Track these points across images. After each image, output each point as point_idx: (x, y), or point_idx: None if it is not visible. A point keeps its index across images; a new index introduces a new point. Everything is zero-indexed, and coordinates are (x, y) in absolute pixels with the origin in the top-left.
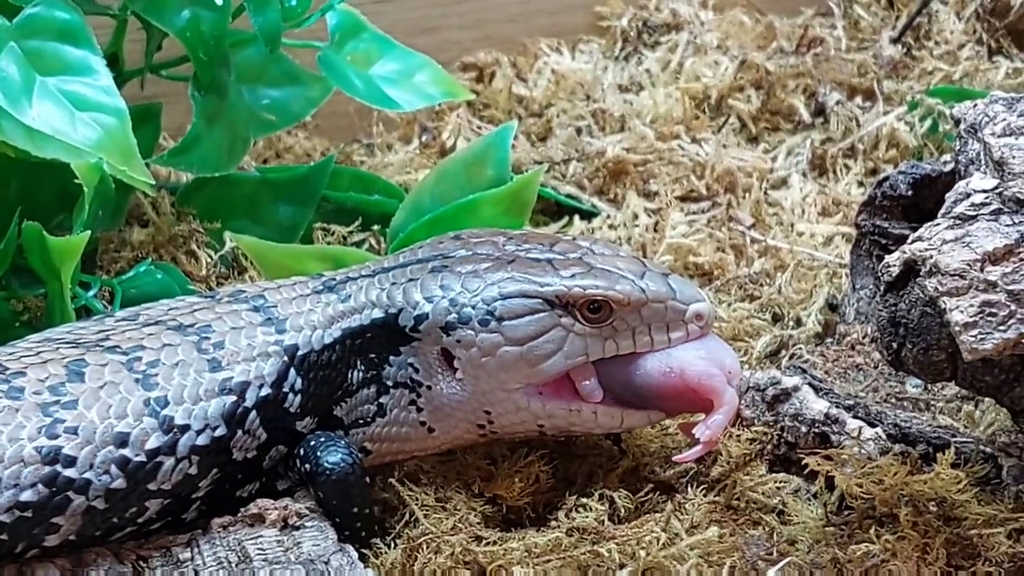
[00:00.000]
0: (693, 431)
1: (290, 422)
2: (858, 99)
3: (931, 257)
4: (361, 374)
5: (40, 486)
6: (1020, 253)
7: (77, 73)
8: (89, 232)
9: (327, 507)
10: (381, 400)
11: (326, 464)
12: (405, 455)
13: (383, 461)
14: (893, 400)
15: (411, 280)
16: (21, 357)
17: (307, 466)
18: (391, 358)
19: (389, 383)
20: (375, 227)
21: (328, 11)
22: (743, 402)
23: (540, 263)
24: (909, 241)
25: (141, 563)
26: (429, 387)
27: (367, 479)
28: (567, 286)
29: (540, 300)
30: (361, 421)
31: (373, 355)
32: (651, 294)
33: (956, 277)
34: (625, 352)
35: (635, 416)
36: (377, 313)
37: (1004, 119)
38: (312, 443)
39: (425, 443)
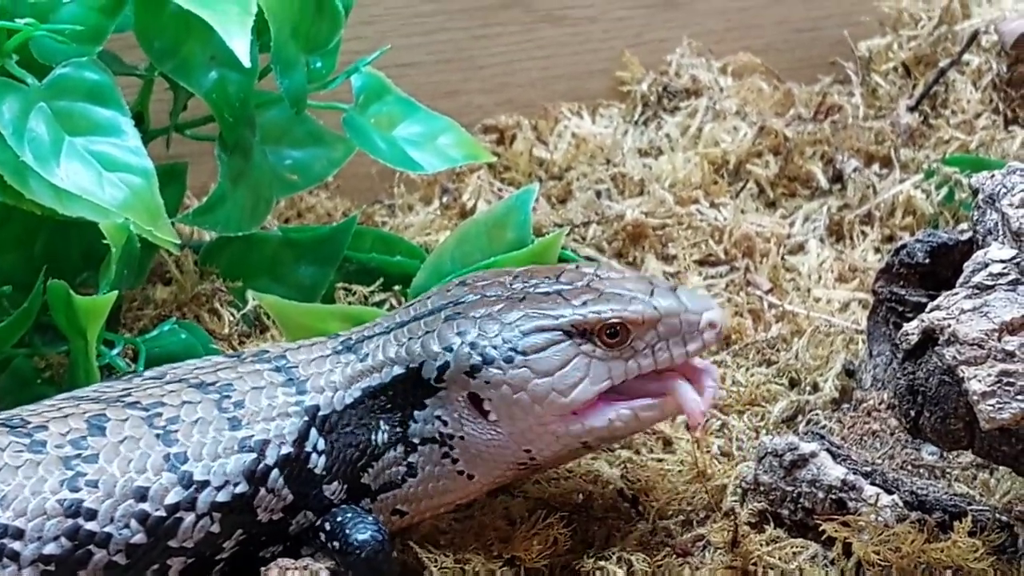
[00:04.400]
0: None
1: (317, 485)
2: (875, 166)
3: (949, 326)
4: (385, 435)
5: (63, 539)
6: None
7: (105, 133)
8: (116, 292)
9: None
10: (410, 460)
11: (355, 542)
12: (448, 507)
13: (423, 519)
14: (909, 467)
15: (427, 332)
16: (43, 412)
17: (335, 543)
18: (415, 413)
19: (416, 440)
20: (396, 287)
21: (353, 73)
22: (760, 468)
23: (551, 296)
24: (928, 310)
25: None
26: (462, 437)
27: (395, 553)
28: (581, 314)
29: (558, 332)
30: (390, 485)
31: (398, 412)
32: (663, 310)
33: (974, 346)
34: (648, 371)
35: (671, 403)
36: (398, 370)
37: (1022, 189)
38: (339, 519)
39: (467, 490)
